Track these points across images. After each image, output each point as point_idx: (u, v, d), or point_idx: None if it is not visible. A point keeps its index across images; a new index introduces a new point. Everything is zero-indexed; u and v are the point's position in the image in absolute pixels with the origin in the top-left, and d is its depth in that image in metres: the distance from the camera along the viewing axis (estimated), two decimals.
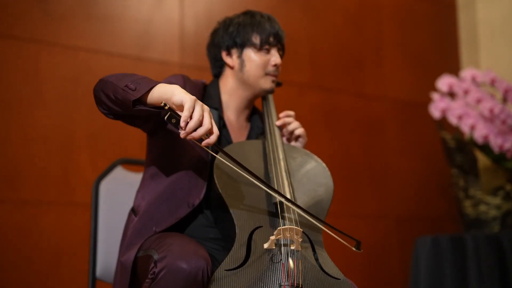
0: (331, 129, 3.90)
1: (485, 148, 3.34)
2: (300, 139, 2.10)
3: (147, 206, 1.90)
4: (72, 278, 2.99)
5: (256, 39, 2.05)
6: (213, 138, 1.63)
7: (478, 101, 3.33)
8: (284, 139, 2.11)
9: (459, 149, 3.39)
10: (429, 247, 3.24)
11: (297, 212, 1.81)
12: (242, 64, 2.06)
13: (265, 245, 1.70)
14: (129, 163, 2.47)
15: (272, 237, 1.69)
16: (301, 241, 1.72)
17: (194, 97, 1.62)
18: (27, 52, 3.03)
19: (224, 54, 2.10)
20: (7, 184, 2.91)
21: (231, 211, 1.78)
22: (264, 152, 1.98)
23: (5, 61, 2.98)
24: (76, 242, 3.01)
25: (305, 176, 1.97)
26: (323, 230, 1.86)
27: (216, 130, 1.64)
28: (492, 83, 3.43)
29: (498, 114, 3.27)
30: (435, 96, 3.45)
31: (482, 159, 3.37)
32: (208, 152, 1.86)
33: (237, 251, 1.69)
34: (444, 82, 3.45)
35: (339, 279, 1.73)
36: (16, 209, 2.92)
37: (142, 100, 1.71)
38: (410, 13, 4.32)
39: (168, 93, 1.66)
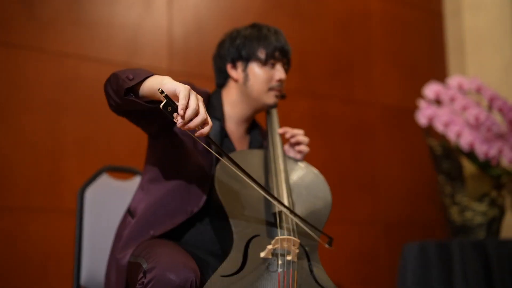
0: (320, 135, 3.91)
1: (471, 155, 3.36)
2: (303, 147, 2.10)
3: (145, 210, 1.92)
4: (59, 285, 2.99)
5: (262, 54, 2.06)
6: (206, 129, 1.59)
7: (464, 108, 3.34)
8: (286, 147, 2.11)
9: (446, 156, 3.40)
10: (416, 254, 3.25)
11: (295, 223, 1.82)
12: (246, 78, 2.07)
13: (262, 254, 1.71)
14: (115, 170, 2.47)
15: (269, 246, 1.70)
16: (298, 252, 1.73)
17: (188, 86, 1.60)
18: (14, 58, 3.03)
19: (229, 67, 2.11)
20: None
21: (229, 218, 1.79)
22: (266, 162, 1.99)
23: None
24: (63, 249, 3.01)
25: (305, 189, 1.99)
26: (320, 242, 1.87)
27: (210, 121, 1.61)
28: (478, 90, 3.45)
29: (483, 121, 3.28)
30: (421, 103, 3.46)
31: (468, 166, 3.38)
32: (212, 162, 1.89)
33: (234, 258, 1.70)
34: (430, 89, 3.47)
35: None
36: (3, 215, 2.91)
37: (136, 90, 1.71)
38: (399, 21, 4.35)
39: (158, 82, 1.64)
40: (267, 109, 2.14)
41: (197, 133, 1.59)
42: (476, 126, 3.30)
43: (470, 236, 3.38)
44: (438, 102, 3.50)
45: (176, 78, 3.60)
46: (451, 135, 3.31)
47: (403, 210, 4.13)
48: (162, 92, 1.55)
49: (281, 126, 2.13)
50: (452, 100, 3.37)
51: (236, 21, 3.70)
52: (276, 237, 1.71)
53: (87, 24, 3.24)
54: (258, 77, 2.05)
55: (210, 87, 2.25)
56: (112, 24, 3.31)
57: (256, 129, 2.21)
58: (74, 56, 3.18)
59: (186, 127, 1.57)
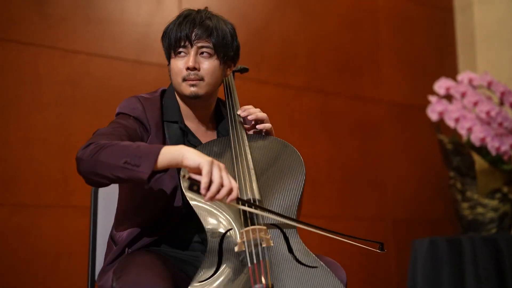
0: (328, 132, 3.91)
1: (482, 150, 3.36)
2: (264, 124, 2.02)
3: (127, 236, 1.91)
4: (70, 281, 2.99)
5: (165, 47, 1.98)
6: (234, 194, 1.61)
7: (475, 104, 3.34)
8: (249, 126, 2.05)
9: (456, 152, 3.40)
10: (426, 249, 3.25)
11: (265, 213, 1.79)
12: (169, 73, 1.99)
13: (236, 249, 1.69)
14: None
15: (239, 240, 1.69)
16: (269, 236, 1.71)
17: (209, 159, 1.60)
18: (25, 55, 3.03)
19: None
20: (6, 187, 2.91)
21: (200, 219, 1.77)
22: (231, 149, 1.94)
23: (4, 64, 2.98)
24: (74, 245, 3.01)
25: (273, 166, 1.93)
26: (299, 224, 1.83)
27: (235, 184, 1.62)
28: (489, 86, 3.44)
29: (495, 116, 3.28)
30: (432, 99, 3.46)
31: (479, 162, 3.38)
32: (176, 182, 1.88)
33: (209, 260, 1.69)
34: (441, 85, 3.46)
35: (316, 267, 1.69)
36: (15, 212, 2.92)
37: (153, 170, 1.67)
38: (407, 17, 4.34)
39: (178, 157, 1.63)
40: (191, 99, 2.00)
41: (228, 200, 1.61)
42: (487, 121, 3.30)
43: (481, 232, 3.38)
44: (448, 98, 3.50)
45: None
46: (462, 130, 3.31)
47: (411, 206, 4.13)
48: (183, 176, 1.58)
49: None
50: (463, 95, 3.37)
51: (245, 19, 3.71)
52: (241, 230, 1.70)
53: (98, 21, 3.24)
54: (172, 70, 1.96)
55: None
56: (122, 21, 3.31)
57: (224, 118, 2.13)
58: (85, 53, 3.18)
59: (213, 199, 1.60)
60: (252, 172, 1.86)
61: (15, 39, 3.02)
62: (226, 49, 1.97)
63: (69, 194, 3.04)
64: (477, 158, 3.41)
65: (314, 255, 1.73)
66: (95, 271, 2.26)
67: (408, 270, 3.31)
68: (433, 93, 3.59)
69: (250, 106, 2.03)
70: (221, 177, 1.59)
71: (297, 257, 1.72)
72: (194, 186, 1.58)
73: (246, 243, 1.68)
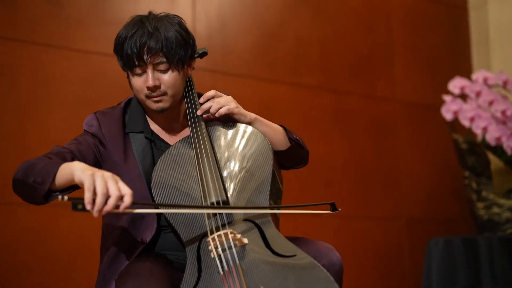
0: (342, 131, 3.91)
1: (498, 150, 3.34)
2: (222, 110, 1.94)
3: (107, 258, 1.91)
4: (87, 281, 3.01)
5: (122, 65, 1.91)
6: (127, 200, 1.54)
7: (490, 103, 3.33)
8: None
9: (471, 151, 3.39)
10: (441, 249, 3.24)
11: (230, 210, 1.76)
12: (130, 86, 1.95)
13: (212, 255, 1.67)
14: None
15: (209, 248, 1.68)
16: (240, 236, 1.67)
17: (91, 172, 1.55)
18: (42, 56, 3.06)
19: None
20: None
21: (176, 228, 1.76)
22: (191, 148, 1.91)
23: (21, 65, 3.01)
24: (90, 244, 3.02)
25: (236, 154, 1.89)
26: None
27: (127, 191, 1.55)
28: (504, 85, 3.43)
29: (510, 116, 3.27)
30: (447, 98, 3.45)
31: (495, 161, 3.37)
32: (145, 186, 1.86)
33: (190, 271, 1.67)
34: (456, 84, 3.45)
35: (294, 255, 1.64)
36: (32, 212, 2.94)
37: (53, 188, 1.68)
38: (421, 15, 4.33)
39: (70, 175, 1.61)
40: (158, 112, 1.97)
41: (121, 208, 1.55)
42: (502, 120, 3.29)
43: (497, 232, 3.37)
44: (463, 97, 3.49)
45: (200, 74, 3.62)
46: (477, 130, 3.30)
47: (426, 206, 4.12)
48: (62, 198, 1.50)
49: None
50: (478, 94, 3.36)
51: (259, 18, 3.72)
52: (207, 239, 1.69)
53: (113, 22, 3.26)
54: (133, 87, 1.92)
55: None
56: None
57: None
58: (100, 54, 3.21)
59: (104, 212, 1.53)
60: (216, 168, 1.82)
61: (33, 41, 3.05)
62: (181, 56, 1.90)
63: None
64: (492, 158, 3.40)
65: (291, 244, 1.68)
66: None
67: (423, 270, 3.30)
68: (448, 92, 3.58)
69: (210, 95, 1.96)
70: (106, 187, 1.53)
71: (274, 249, 1.67)
72: (79, 204, 1.51)
73: (216, 250, 1.66)
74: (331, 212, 1.80)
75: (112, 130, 1.94)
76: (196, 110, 1.97)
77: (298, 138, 2.06)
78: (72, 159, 1.83)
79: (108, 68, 3.21)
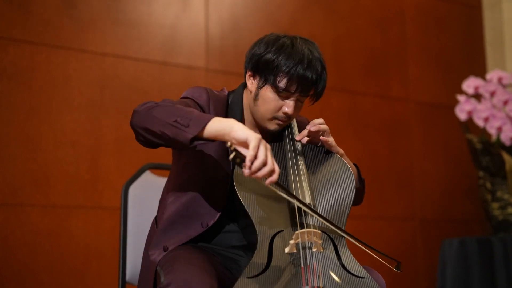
0: (356, 131, 3.90)
1: None
2: (329, 139, 1.99)
3: (164, 223, 1.92)
4: (101, 282, 3.03)
5: (281, 82, 1.87)
6: (274, 177, 1.59)
7: (505, 103, 3.30)
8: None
9: (486, 151, 3.36)
10: (456, 250, 3.23)
11: (322, 219, 1.80)
12: (256, 96, 1.93)
13: (286, 250, 1.70)
14: (157, 168, 2.49)
15: (292, 241, 1.70)
16: (321, 242, 1.73)
17: (258, 136, 1.59)
18: (56, 58, 3.08)
19: (248, 74, 1.96)
20: (37, 188, 2.96)
21: (252, 218, 1.78)
22: (284, 154, 1.96)
23: (35, 67, 3.03)
24: (104, 245, 3.05)
25: (325, 175, 1.94)
26: (347, 236, 1.85)
27: (277, 168, 1.60)
28: None
29: None
30: (460, 98, 3.43)
31: (510, 161, 3.34)
32: (229, 173, 1.87)
33: (259, 258, 1.70)
34: (469, 84, 3.43)
35: (363, 277, 1.72)
36: (46, 213, 2.96)
37: (197, 135, 1.67)
38: (435, 15, 4.30)
39: (226, 128, 1.63)
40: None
41: (267, 182, 1.59)
42: None
43: (511, 232, 3.34)
44: (477, 97, 3.46)
45: (213, 76, 3.62)
46: (491, 130, 3.28)
47: (440, 206, 4.10)
48: (231, 147, 1.56)
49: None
50: (492, 94, 3.33)
51: (271, 18, 3.72)
52: (296, 231, 1.71)
53: (126, 24, 3.28)
54: (266, 102, 1.90)
55: None
56: (150, 23, 3.34)
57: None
58: (113, 55, 3.22)
59: (253, 176, 1.58)
60: (304, 177, 1.87)
61: (46, 43, 3.07)
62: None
63: (99, 195, 3.08)
64: (507, 158, 3.37)
65: (361, 266, 1.76)
66: (125, 272, 2.29)
67: (438, 271, 3.29)
68: (462, 92, 3.56)
69: (318, 121, 2.00)
70: (266, 156, 1.58)
71: (346, 265, 1.74)
72: (238, 158, 1.56)
73: (299, 245, 1.70)
74: (394, 269, 1.87)
75: (217, 110, 1.94)
76: (293, 130, 2.02)
77: (363, 179, 2.10)
78: None
79: (121, 69, 3.22)
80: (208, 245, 1.94)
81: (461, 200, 4.16)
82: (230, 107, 2.00)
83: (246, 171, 1.57)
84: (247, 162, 1.56)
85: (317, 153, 2.01)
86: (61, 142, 3.04)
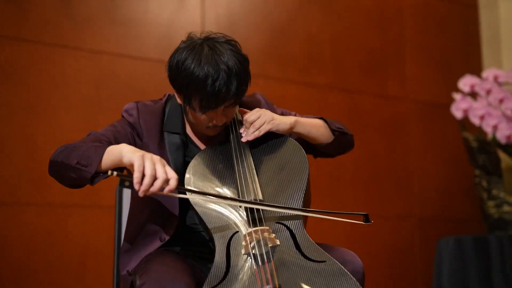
0: (354, 130, 3.85)
1: (508, 148, 3.32)
2: (262, 128, 1.93)
3: (125, 245, 1.97)
4: (97, 280, 3.03)
5: (196, 104, 1.84)
6: (173, 184, 1.61)
7: (501, 101, 3.31)
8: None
9: (482, 150, 3.37)
10: (452, 248, 3.23)
11: (267, 207, 1.79)
12: (185, 110, 1.94)
13: (242, 251, 1.70)
14: None
15: (243, 243, 1.70)
16: (274, 236, 1.71)
17: (141, 153, 1.62)
18: (53, 56, 3.09)
19: (175, 90, 1.94)
20: (34, 187, 2.96)
21: (206, 223, 1.78)
22: (231, 153, 1.95)
23: (32, 65, 3.04)
24: (101, 244, 3.05)
25: (273, 160, 1.93)
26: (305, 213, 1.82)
27: (173, 174, 1.62)
28: None
29: None
30: (456, 96, 3.44)
31: (506, 159, 3.35)
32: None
33: (218, 265, 1.70)
34: (466, 82, 3.44)
35: (324, 261, 1.67)
36: (43, 211, 2.97)
37: (98, 170, 1.72)
38: (432, 14, 4.31)
39: (117, 156, 1.67)
40: None
41: (165, 191, 1.61)
42: None
43: (507, 231, 3.35)
44: (473, 95, 3.47)
45: None
46: (487, 128, 3.28)
47: (438, 204, 4.10)
48: (111, 174, 1.57)
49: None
50: (488, 92, 3.34)
51: (269, 16, 3.72)
52: (244, 233, 1.72)
53: (122, 22, 3.28)
54: (195, 118, 1.91)
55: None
56: (146, 21, 3.35)
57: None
58: (110, 54, 3.23)
59: (149, 193, 1.60)
60: (252, 171, 1.87)
61: (43, 41, 3.08)
62: (247, 87, 1.91)
63: (95, 194, 3.08)
64: (503, 156, 3.38)
65: (322, 249, 1.72)
66: (119, 269, 2.29)
67: (434, 269, 3.29)
68: (459, 90, 3.56)
69: (251, 119, 1.94)
70: (154, 169, 1.60)
71: (305, 253, 1.71)
72: (126, 182, 1.59)
73: (250, 245, 1.69)
74: (364, 223, 1.81)
75: (150, 124, 1.96)
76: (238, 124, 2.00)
77: (340, 126, 2.09)
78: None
79: (118, 68, 3.23)
80: (175, 248, 1.95)
81: (459, 199, 4.16)
82: (168, 115, 1.99)
83: (139, 192, 1.59)
84: (135, 185, 1.58)
85: (263, 139, 1.98)
86: (58, 140, 3.03)
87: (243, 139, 1.95)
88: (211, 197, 1.80)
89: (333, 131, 2.05)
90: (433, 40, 4.28)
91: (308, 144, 2.07)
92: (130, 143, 1.91)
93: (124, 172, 1.76)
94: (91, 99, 3.15)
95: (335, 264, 1.65)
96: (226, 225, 1.79)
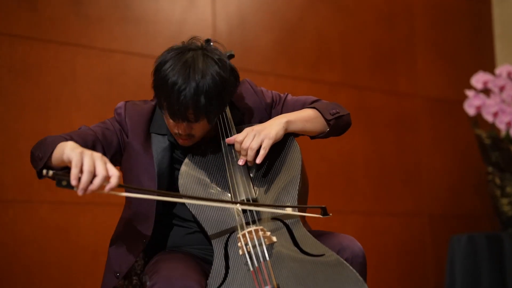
0: (363, 127, 3.89)
1: None
2: (261, 153, 1.83)
3: (110, 250, 1.97)
4: None
5: (164, 107, 1.82)
6: (113, 182, 1.53)
7: None
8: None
9: (495, 147, 3.35)
10: (464, 246, 3.22)
11: (261, 206, 1.78)
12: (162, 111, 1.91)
13: (240, 252, 1.69)
14: None
15: (239, 244, 1.69)
16: (270, 233, 1.70)
17: (79, 150, 1.55)
18: (63, 55, 3.09)
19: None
20: (46, 185, 2.96)
21: (202, 225, 1.77)
22: (222, 154, 1.91)
23: (43, 64, 3.04)
24: None
25: (266, 158, 1.87)
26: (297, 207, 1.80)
27: (114, 172, 1.53)
28: None
29: None
30: (469, 93, 3.42)
31: None
32: (155, 181, 1.86)
33: (218, 266, 1.69)
34: (478, 79, 3.42)
35: (323, 254, 1.65)
36: (55, 209, 2.98)
37: (50, 165, 1.71)
38: (443, 9, 4.29)
39: (61, 153, 1.61)
40: None
41: (107, 189, 1.53)
42: None
43: None
44: (486, 92, 3.45)
45: None
46: (500, 125, 3.27)
47: (448, 202, 4.09)
48: (47, 173, 1.50)
49: None
50: (502, 89, 3.32)
51: (278, 14, 3.71)
52: (238, 235, 1.70)
53: (133, 20, 3.28)
54: (167, 121, 1.87)
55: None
56: (157, 20, 3.34)
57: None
58: (121, 52, 3.23)
59: (89, 191, 1.51)
60: (245, 170, 1.84)
61: (54, 40, 3.08)
62: (220, 110, 1.84)
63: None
64: None
65: (320, 243, 1.69)
66: None
67: (446, 267, 3.28)
68: (470, 87, 3.54)
69: (246, 145, 1.84)
70: (93, 166, 1.52)
71: (303, 248, 1.69)
72: (63, 181, 1.50)
73: (246, 246, 1.68)
74: (321, 216, 1.79)
75: (136, 124, 1.94)
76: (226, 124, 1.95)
77: (334, 112, 2.01)
78: (94, 142, 1.85)
79: (128, 65, 3.23)
80: (185, 248, 1.94)
81: (469, 195, 4.15)
82: (156, 116, 1.97)
83: (78, 191, 1.51)
84: (72, 181, 1.49)
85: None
86: None
87: (240, 162, 1.85)
88: (152, 194, 1.77)
89: (328, 121, 1.98)
90: (444, 35, 4.26)
91: None
92: (119, 140, 1.92)
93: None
94: (102, 97, 3.15)
95: (333, 255, 1.64)
96: (222, 227, 1.77)
